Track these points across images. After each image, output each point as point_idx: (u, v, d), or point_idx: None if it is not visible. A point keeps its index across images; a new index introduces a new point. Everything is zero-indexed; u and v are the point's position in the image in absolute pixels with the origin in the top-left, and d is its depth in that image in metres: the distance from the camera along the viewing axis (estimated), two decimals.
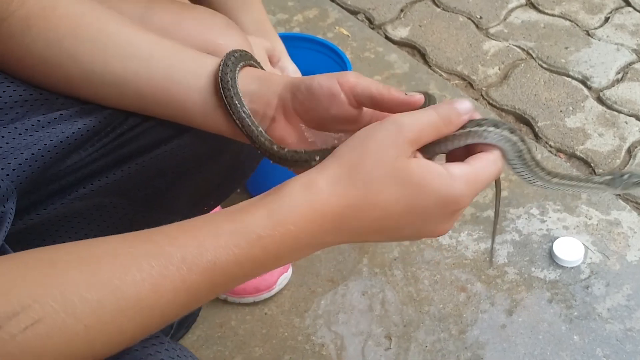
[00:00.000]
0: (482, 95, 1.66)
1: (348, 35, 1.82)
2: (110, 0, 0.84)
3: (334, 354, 1.17)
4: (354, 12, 1.91)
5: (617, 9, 1.87)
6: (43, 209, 0.64)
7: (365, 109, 0.61)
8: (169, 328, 1.15)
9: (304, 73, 1.41)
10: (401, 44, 1.80)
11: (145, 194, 0.71)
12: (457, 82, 1.70)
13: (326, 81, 0.59)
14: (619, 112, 1.58)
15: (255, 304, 1.24)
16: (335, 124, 0.61)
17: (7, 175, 0.59)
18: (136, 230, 0.71)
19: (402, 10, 1.90)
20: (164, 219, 0.73)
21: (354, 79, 0.59)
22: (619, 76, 1.67)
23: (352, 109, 0.60)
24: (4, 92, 0.61)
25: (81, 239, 0.67)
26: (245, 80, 0.63)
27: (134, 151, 0.68)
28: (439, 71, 1.72)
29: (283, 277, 1.24)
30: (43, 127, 0.62)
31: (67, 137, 0.63)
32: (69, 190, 0.65)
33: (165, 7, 0.87)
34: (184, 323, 1.19)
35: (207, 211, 0.81)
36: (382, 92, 0.58)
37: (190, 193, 0.75)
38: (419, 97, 0.58)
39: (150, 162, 0.68)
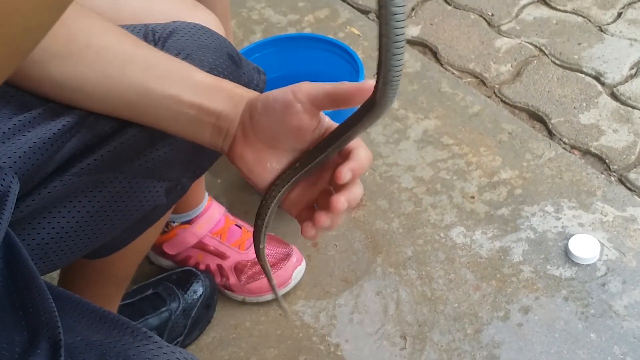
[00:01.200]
0: (494, 92, 1.65)
1: (359, 35, 1.81)
2: None
3: (349, 354, 1.17)
4: (365, 12, 1.91)
5: (629, 4, 1.85)
6: (43, 188, 0.65)
7: (321, 120, 0.62)
8: (182, 328, 1.16)
9: (316, 73, 1.41)
10: (413, 42, 1.80)
11: (139, 165, 0.72)
12: (469, 79, 1.69)
13: (280, 94, 0.60)
14: (634, 107, 1.57)
15: (269, 304, 1.24)
16: (294, 139, 0.62)
17: (9, 158, 0.60)
18: (134, 202, 0.72)
19: (413, 9, 1.90)
20: (157, 186, 0.74)
21: (308, 86, 0.60)
22: (633, 71, 1.66)
23: (309, 119, 0.60)
24: None
25: (84, 217, 0.69)
26: (216, 98, 0.64)
27: (125, 124, 0.69)
28: (451, 69, 1.72)
29: (297, 270, 1.25)
30: (33, 122, 0.62)
31: (61, 128, 0.64)
32: (66, 168, 0.66)
33: None
34: (198, 324, 1.19)
35: (199, 175, 0.82)
36: (337, 86, 0.59)
37: (182, 159, 0.76)
38: (371, 82, 0.57)
39: (140, 134, 0.69)
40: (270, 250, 1.25)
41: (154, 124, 0.66)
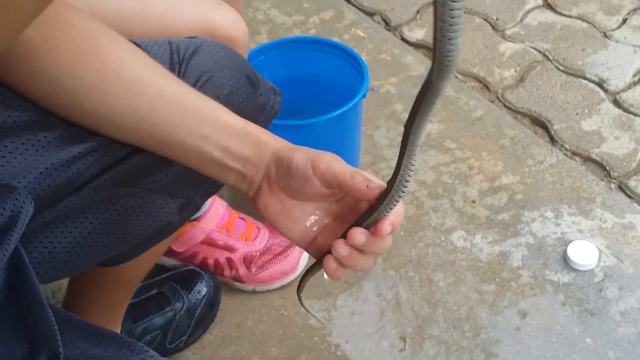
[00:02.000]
0: (497, 97, 1.66)
1: (364, 37, 1.83)
2: None
3: (349, 354, 1.19)
4: (370, 14, 1.92)
5: (635, 10, 1.87)
6: (59, 201, 0.66)
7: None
8: (186, 327, 1.18)
9: (320, 76, 1.43)
10: (417, 45, 1.81)
11: (153, 181, 0.73)
12: (472, 84, 1.70)
13: (302, 163, 0.62)
14: (635, 115, 1.58)
15: (271, 304, 1.26)
16: (314, 198, 0.65)
17: (25, 178, 0.61)
18: (146, 217, 0.74)
19: (418, 12, 1.91)
20: (170, 203, 0.76)
21: (325, 166, 0.62)
22: (636, 79, 1.67)
23: (326, 189, 0.63)
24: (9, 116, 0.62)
25: (96, 229, 0.70)
26: (242, 144, 0.65)
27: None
28: (455, 73, 1.73)
29: (304, 256, 1.29)
30: (49, 142, 0.63)
31: (82, 151, 0.65)
32: (82, 184, 0.68)
33: None
34: (202, 324, 1.21)
35: (213, 193, 0.84)
36: (347, 182, 0.61)
37: (195, 177, 0.77)
38: (379, 188, 0.60)
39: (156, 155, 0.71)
40: (275, 240, 1.28)
41: (179, 160, 0.67)
